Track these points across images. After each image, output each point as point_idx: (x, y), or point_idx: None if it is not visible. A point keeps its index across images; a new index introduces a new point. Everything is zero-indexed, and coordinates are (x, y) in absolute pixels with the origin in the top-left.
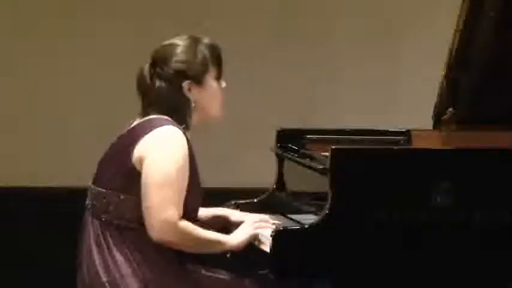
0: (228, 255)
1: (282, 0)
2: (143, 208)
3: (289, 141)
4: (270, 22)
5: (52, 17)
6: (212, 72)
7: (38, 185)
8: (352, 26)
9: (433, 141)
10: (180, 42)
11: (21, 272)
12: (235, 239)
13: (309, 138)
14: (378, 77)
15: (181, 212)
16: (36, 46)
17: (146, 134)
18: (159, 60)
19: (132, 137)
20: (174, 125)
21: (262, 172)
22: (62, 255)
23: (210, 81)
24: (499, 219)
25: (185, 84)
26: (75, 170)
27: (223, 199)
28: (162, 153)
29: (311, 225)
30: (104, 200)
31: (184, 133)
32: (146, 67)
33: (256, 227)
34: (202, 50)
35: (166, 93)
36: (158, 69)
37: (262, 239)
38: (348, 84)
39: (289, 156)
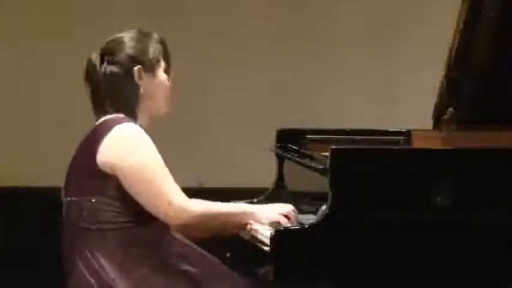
0: (228, 255)
1: (282, 0)
2: (152, 211)
3: (289, 141)
4: (270, 22)
5: (52, 18)
6: (162, 66)
7: (38, 185)
8: (352, 26)
9: (433, 141)
10: (131, 35)
11: (21, 272)
12: (263, 212)
13: (309, 138)
14: (378, 77)
15: (182, 192)
16: (36, 46)
17: (106, 134)
18: (109, 50)
19: (93, 140)
20: (129, 121)
21: (262, 172)
22: (62, 256)
23: (161, 73)
24: (499, 219)
25: (136, 69)
26: None
27: (223, 199)
28: (134, 155)
29: (311, 225)
30: (77, 208)
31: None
32: (93, 55)
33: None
34: (154, 43)
35: (115, 78)
36: (108, 57)
37: (262, 238)
38: (348, 84)
39: (289, 156)
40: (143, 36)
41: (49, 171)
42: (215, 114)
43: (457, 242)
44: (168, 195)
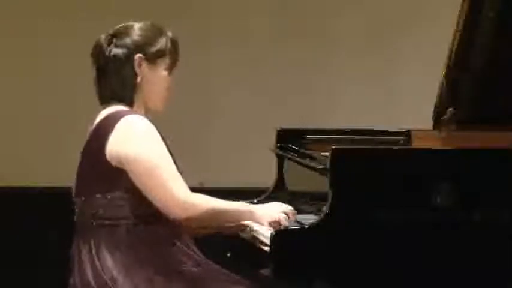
0: (228, 255)
1: (282, 0)
2: (156, 203)
3: (289, 141)
4: (270, 22)
5: (52, 18)
6: (166, 62)
7: (38, 185)
8: (352, 26)
9: (433, 141)
10: (143, 24)
11: (21, 272)
12: (263, 211)
13: (309, 138)
14: (377, 77)
15: (186, 186)
16: (36, 46)
17: (112, 129)
18: (118, 33)
19: (100, 137)
20: (134, 113)
21: (262, 172)
22: (62, 255)
23: (162, 68)
24: (499, 219)
25: (137, 56)
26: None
27: (223, 199)
28: (139, 146)
29: (311, 225)
30: (92, 207)
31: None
32: (103, 37)
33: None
34: (164, 38)
35: (117, 61)
36: (116, 40)
37: (262, 239)
38: (348, 84)
39: (289, 156)
40: (155, 29)
41: (49, 171)
42: (215, 114)
43: (457, 242)
44: (173, 189)
